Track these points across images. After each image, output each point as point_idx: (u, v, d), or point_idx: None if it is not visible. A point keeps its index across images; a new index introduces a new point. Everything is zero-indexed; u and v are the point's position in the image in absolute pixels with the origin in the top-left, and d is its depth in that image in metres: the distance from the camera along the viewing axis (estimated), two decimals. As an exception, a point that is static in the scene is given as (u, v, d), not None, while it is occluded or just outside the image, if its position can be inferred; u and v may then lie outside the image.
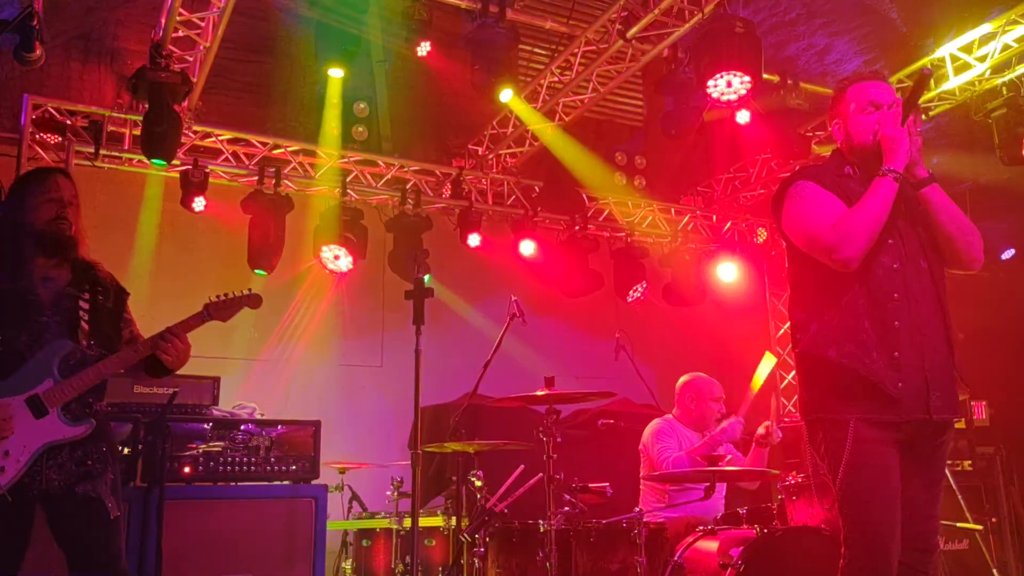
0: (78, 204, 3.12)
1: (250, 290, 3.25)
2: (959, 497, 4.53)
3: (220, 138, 6.62)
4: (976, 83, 6.38)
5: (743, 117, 6.78)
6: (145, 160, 5.88)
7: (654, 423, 5.02)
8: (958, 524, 5.14)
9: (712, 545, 4.11)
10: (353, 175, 7.08)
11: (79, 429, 2.91)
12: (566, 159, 7.22)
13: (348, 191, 6.93)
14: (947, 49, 6.34)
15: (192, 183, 6.29)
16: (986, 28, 6.08)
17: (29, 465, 2.79)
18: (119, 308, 3.18)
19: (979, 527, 5.27)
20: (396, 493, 5.01)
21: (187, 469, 3.84)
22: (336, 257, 6.68)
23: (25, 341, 2.88)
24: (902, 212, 2.70)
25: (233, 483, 3.93)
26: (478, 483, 4.29)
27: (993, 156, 6.41)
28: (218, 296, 3.21)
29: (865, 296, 2.63)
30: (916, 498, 2.64)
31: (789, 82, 6.57)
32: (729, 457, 4.68)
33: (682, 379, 5.17)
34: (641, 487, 4.97)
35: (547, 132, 6.77)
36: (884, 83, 2.82)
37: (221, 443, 3.93)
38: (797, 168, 3.23)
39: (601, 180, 7.88)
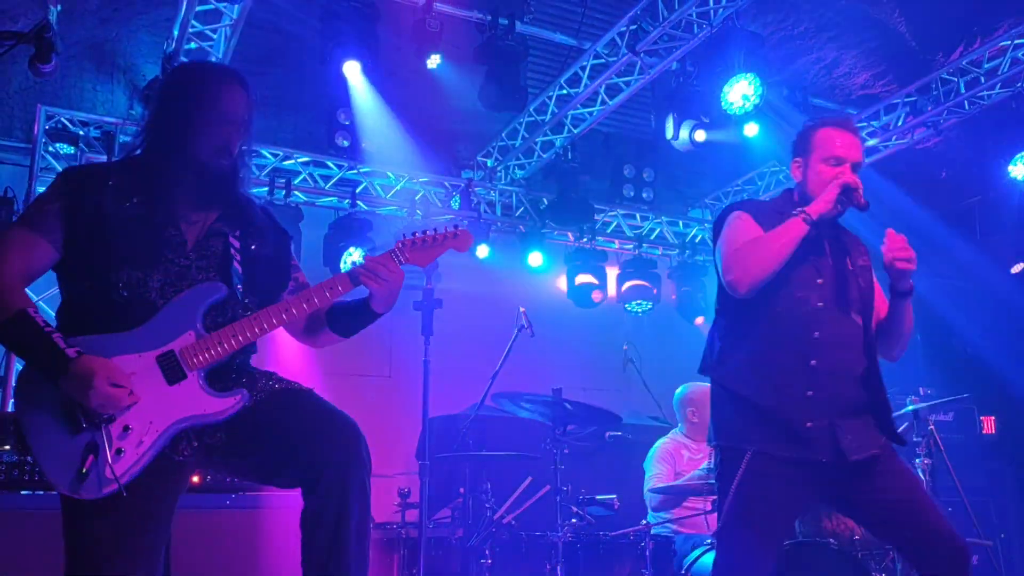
0: (249, 122, 2.34)
1: (456, 226, 2.50)
2: (970, 511, 4.50)
3: (231, 149, 6.64)
4: (986, 97, 6.38)
5: (751, 130, 6.79)
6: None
7: (659, 443, 5.00)
8: (968, 539, 5.10)
9: (720, 558, 4.10)
10: (363, 186, 7.12)
11: (226, 402, 2.17)
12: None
13: (358, 202, 6.97)
14: (956, 63, 6.35)
15: (203, 193, 6.29)
16: (996, 42, 6.09)
17: (156, 450, 2.10)
18: (280, 253, 2.46)
19: (989, 542, 5.23)
20: (403, 504, 5.00)
21: (195, 479, 3.85)
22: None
23: (157, 285, 2.16)
24: (849, 263, 2.73)
25: (240, 493, 3.93)
26: (486, 494, 4.29)
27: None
28: (414, 233, 2.46)
29: (783, 331, 2.63)
30: (899, 512, 2.59)
31: (797, 95, 6.59)
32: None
33: (680, 391, 5.11)
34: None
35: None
36: (852, 135, 2.77)
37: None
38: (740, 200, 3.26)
39: (609, 192, 7.91)
